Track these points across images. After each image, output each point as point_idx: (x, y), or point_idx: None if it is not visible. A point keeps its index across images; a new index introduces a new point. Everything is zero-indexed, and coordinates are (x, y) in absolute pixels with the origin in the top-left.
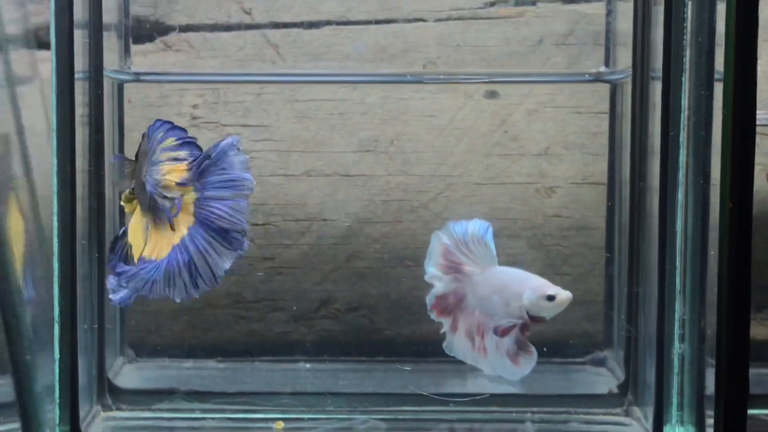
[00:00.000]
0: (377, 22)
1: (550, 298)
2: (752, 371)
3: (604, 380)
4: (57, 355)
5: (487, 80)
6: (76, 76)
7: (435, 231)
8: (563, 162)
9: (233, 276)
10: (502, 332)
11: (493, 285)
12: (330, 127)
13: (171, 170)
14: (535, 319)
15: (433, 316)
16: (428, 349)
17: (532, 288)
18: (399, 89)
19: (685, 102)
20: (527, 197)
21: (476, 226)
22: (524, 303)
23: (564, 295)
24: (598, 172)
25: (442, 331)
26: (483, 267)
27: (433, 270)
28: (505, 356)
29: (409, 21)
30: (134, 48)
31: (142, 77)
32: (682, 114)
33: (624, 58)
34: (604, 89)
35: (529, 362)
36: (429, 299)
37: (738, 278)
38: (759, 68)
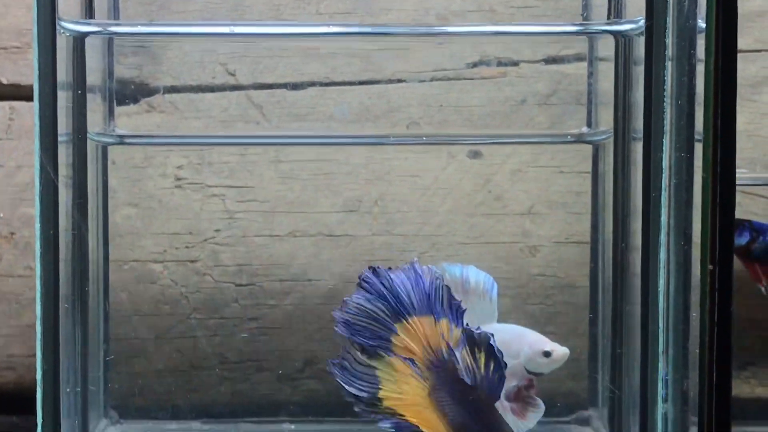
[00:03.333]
0: (361, 83)
1: (547, 354)
2: (737, 429)
3: None
4: (40, 419)
5: (470, 142)
6: (60, 138)
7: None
8: (547, 221)
9: (217, 337)
10: (514, 397)
11: None
12: (314, 187)
13: None
14: (532, 374)
15: None
16: None
17: (529, 344)
18: (383, 149)
19: (666, 163)
20: (511, 256)
21: (480, 278)
22: (521, 360)
23: (561, 351)
24: (582, 230)
25: None
26: (479, 323)
27: None
28: (508, 413)
29: (392, 81)
30: (118, 109)
31: (126, 140)
32: (663, 175)
33: (606, 116)
34: (587, 149)
35: (536, 415)
36: None
37: (720, 340)
38: (739, 126)
